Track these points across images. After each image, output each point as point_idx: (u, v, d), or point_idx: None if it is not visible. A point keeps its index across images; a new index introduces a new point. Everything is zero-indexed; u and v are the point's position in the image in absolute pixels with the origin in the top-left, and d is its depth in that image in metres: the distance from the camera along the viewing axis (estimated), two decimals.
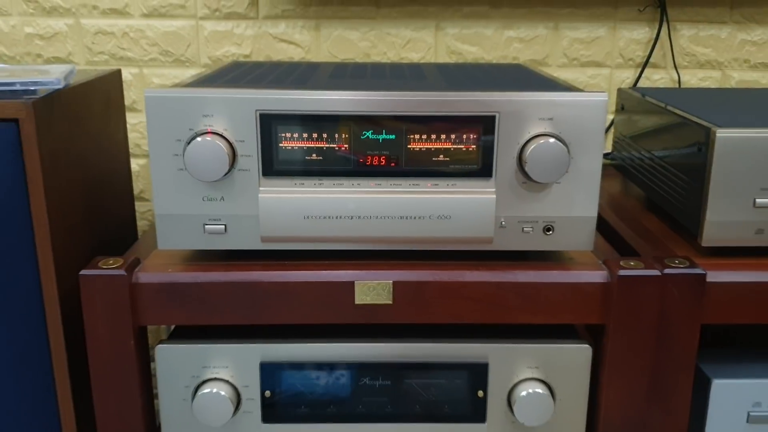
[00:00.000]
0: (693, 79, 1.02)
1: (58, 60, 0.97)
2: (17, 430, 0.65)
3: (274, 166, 0.61)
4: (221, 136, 0.59)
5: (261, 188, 0.61)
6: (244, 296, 0.62)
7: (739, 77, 1.02)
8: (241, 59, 0.98)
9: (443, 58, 0.99)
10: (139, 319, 0.62)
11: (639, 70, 1.01)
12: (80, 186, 0.68)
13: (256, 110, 0.59)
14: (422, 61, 0.99)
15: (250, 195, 0.61)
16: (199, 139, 0.59)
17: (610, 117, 0.98)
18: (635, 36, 1.00)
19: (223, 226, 0.62)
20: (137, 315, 0.61)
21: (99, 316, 0.61)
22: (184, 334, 0.65)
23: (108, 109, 0.77)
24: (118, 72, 0.81)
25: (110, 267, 0.61)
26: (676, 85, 1.01)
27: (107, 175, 0.77)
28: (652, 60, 1.00)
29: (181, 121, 0.59)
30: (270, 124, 0.60)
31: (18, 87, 0.58)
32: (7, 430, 0.65)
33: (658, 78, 1.02)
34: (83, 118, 0.70)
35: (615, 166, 0.90)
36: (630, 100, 0.85)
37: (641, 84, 1.01)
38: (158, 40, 0.97)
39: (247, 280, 0.61)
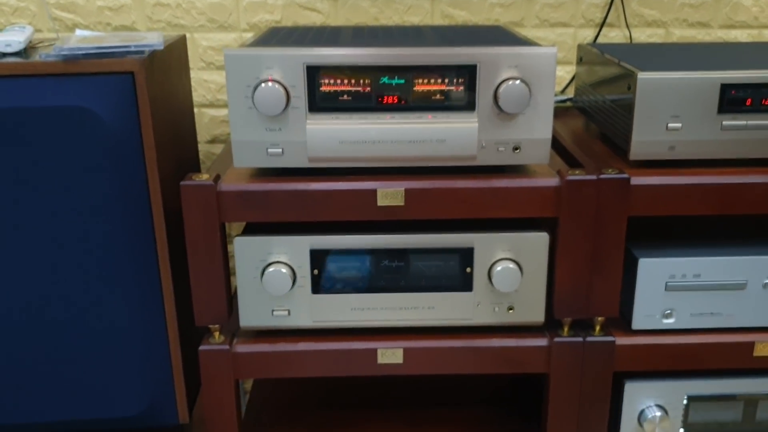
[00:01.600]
0: (642, 36, 1.24)
1: (124, 27, 1.19)
2: (129, 304, 0.89)
3: (316, 104, 0.83)
4: (279, 82, 0.82)
5: (308, 121, 0.84)
6: (297, 201, 0.85)
7: (680, 33, 1.24)
8: (274, 24, 1.20)
9: (438, 21, 1.22)
10: (222, 217, 0.85)
11: (598, 29, 1.23)
12: (170, 123, 0.91)
13: (304, 63, 0.82)
14: (421, 24, 1.21)
15: (299, 126, 0.84)
16: (263, 85, 0.81)
17: (574, 68, 1.21)
18: (595, 0, 1.22)
19: (281, 150, 0.85)
20: (221, 214, 0.85)
21: (194, 215, 0.84)
22: (253, 229, 0.89)
23: (179, 65, 1.00)
24: (184, 37, 1.04)
25: (201, 180, 0.84)
26: (628, 41, 1.24)
27: (181, 116, 1.00)
28: (608, 21, 1.23)
29: (250, 72, 0.82)
30: (313, 73, 0.82)
31: (132, 48, 0.81)
32: (121, 302, 0.89)
33: (613, 35, 1.24)
34: (167, 73, 0.92)
35: (578, 108, 1.13)
36: (588, 54, 1.08)
37: (600, 41, 1.24)
38: (205, 10, 1.19)
39: (299, 189, 0.85)
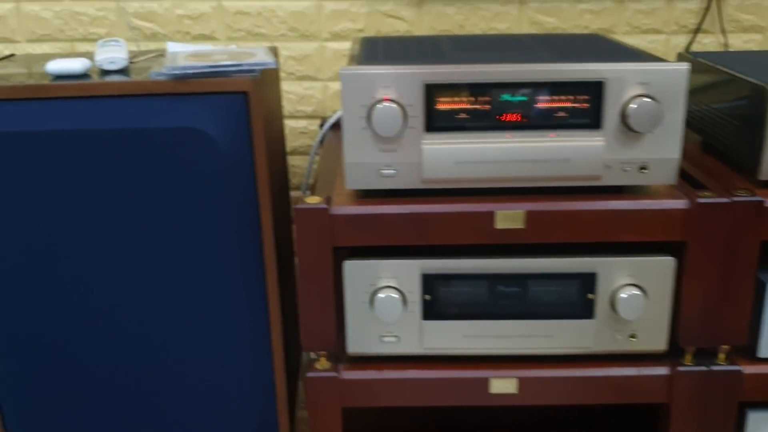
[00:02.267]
0: (737, 41, 1.19)
1: (204, 37, 1.16)
2: (236, 327, 0.85)
3: (433, 123, 0.79)
4: (396, 102, 0.78)
5: (423, 141, 0.80)
6: (411, 223, 0.81)
7: None
8: (357, 33, 1.16)
9: (526, 28, 1.17)
10: (333, 241, 0.81)
11: (691, 35, 1.19)
12: (272, 141, 0.88)
13: (422, 81, 0.78)
14: (508, 31, 1.17)
15: (415, 146, 0.80)
16: (380, 104, 0.78)
17: None
18: (688, 6, 1.17)
19: (395, 171, 0.81)
20: (333, 237, 0.81)
21: (307, 238, 0.80)
22: (359, 252, 0.85)
23: (273, 79, 0.96)
24: (276, 48, 1.00)
25: (315, 203, 0.80)
26: (724, 48, 1.19)
27: (277, 131, 0.96)
28: (702, 26, 1.18)
29: (366, 91, 0.78)
30: (432, 91, 0.78)
31: (245, 66, 0.77)
32: (229, 325, 0.85)
33: (707, 41, 1.19)
34: (270, 89, 0.89)
35: None
36: (692, 64, 1.03)
37: (693, 48, 1.19)
38: (287, 18, 1.15)
39: (414, 212, 0.81)
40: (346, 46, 1.17)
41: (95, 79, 0.79)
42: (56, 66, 0.80)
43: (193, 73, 0.76)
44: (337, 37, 1.16)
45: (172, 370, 0.85)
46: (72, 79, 0.78)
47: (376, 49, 0.91)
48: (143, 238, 0.80)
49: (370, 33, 1.16)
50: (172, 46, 0.95)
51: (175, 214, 0.79)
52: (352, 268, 0.83)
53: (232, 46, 0.88)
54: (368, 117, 0.78)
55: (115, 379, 0.84)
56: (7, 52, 1.17)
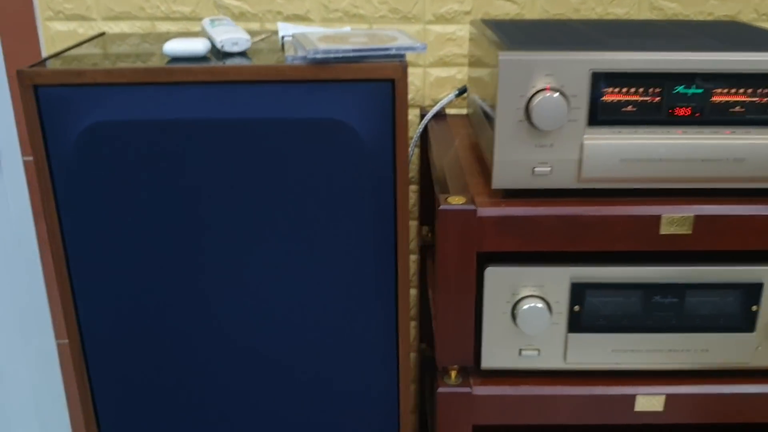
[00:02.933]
0: None
1: (297, 17, 1.07)
2: (366, 331, 0.78)
3: (598, 116, 0.71)
4: (559, 91, 0.70)
5: (585, 136, 0.72)
6: (565, 227, 0.73)
7: None
8: (464, 15, 1.07)
9: (646, 13, 1.09)
10: (479, 245, 0.73)
11: None
12: None
13: (590, 69, 0.70)
14: (627, 17, 1.08)
15: (575, 142, 0.72)
16: (542, 94, 0.69)
17: None
18: None
19: (550, 169, 0.73)
20: (479, 242, 0.73)
21: (450, 243, 0.73)
22: (501, 258, 0.77)
23: None
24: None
25: (460, 204, 0.72)
26: None
27: None
28: None
29: (525, 80, 0.70)
30: (599, 81, 0.70)
31: (393, 51, 0.69)
32: (357, 329, 0.77)
33: None
34: None
35: None
36: None
37: None
38: None
39: (570, 214, 0.73)
40: (449, 29, 1.08)
41: (215, 62, 0.70)
42: (175, 46, 0.72)
43: (336, 58, 0.68)
44: (441, 19, 1.07)
45: (291, 370, 0.78)
46: (192, 62, 0.70)
47: (515, 33, 0.83)
48: (272, 235, 0.72)
49: (477, 15, 1.08)
50: (284, 28, 0.86)
51: (307, 210, 0.71)
52: (494, 275, 0.76)
53: (360, 29, 0.80)
54: (526, 108, 0.70)
55: (232, 379, 0.77)
56: (81, 31, 1.08)
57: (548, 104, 0.69)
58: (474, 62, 0.92)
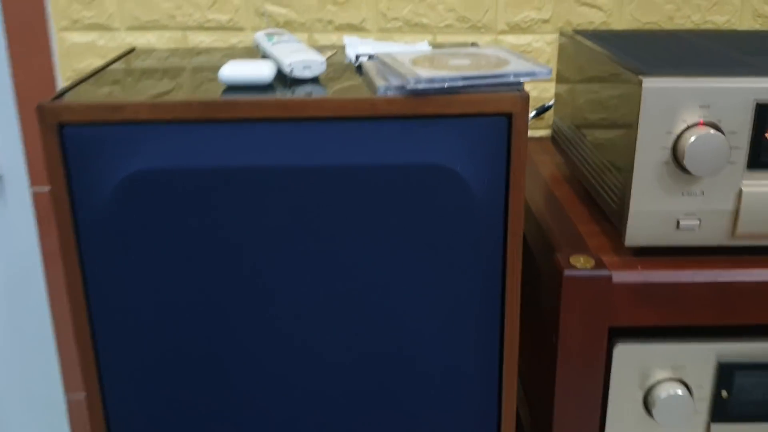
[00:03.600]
0: None
1: (350, 27, 0.93)
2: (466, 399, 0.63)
3: (760, 157, 0.57)
4: (715, 127, 0.56)
5: (744, 181, 0.58)
6: (716, 295, 0.59)
7: None
8: (541, 24, 0.93)
9: (748, 22, 0.94)
10: (612, 319, 0.59)
11: None
12: None
13: (754, 100, 0.56)
14: (728, 26, 0.94)
15: (730, 189, 0.58)
16: (695, 131, 0.55)
17: None
18: None
19: (698, 222, 0.59)
20: (612, 314, 0.59)
21: (575, 313, 0.58)
22: (630, 332, 0.63)
23: None
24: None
25: (588, 268, 0.58)
26: None
27: None
28: None
29: (675, 112, 0.56)
30: (764, 114, 0.56)
31: (511, 78, 0.55)
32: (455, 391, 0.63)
33: None
34: None
35: None
36: None
37: None
38: (455, 5, 0.92)
39: (723, 280, 0.59)
40: (524, 40, 0.94)
41: (284, 91, 0.56)
42: (236, 72, 0.57)
43: (443, 89, 0.53)
44: (516, 29, 0.93)
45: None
46: (255, 92, 0.56)
47: (632, 49, 0.69)
48: (365, 283, 0.58)
49: (557, 24, 0.93)
50: (352, 43, 0.72)
51: (399, 263, 0.57)
52: (624, 354, 0.61)
53: (464, 48, 0.66)
54: (674, 148, 0.56)
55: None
56: (101, 43, 0.94)
57: (707, 143, 0.55)
58: (568, 79, 0.78)
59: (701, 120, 0.56)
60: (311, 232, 0.56)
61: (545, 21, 0.93)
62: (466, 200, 0.56)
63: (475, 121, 0.55)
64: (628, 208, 0.59)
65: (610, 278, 0.58)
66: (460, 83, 0.54)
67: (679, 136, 0.56)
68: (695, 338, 0.62)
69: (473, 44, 0.78)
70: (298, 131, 0.54)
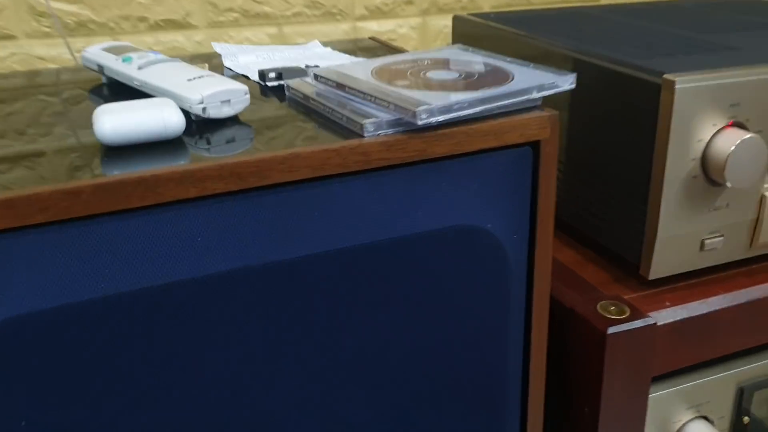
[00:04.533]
0: None
1: (172, 24, 0.71)
2: None
3: None
4: (745, 128, 0.46)
5: (765, 185, 0.49)
6: (744, 317, 0.51)
7: None
8: (403, 6, 0.78)
9: None
10: (656, 368, 0.48)
11: None
12: None
13: None
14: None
15: (752, 196, 0.49)
16: (730, 135, 0.45)
17: None
18: None
19: (722, 238, 0.49)
20: (652, 364, 0.48)
21: (620, 371, 0.46)
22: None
23: None
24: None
25: (623, 316, 0.46)
26: None
27: None
28: None
29: (706, 115, 0.45)
30: None
31: (535, 94, 0.40)
32: None
33: None
34: None
35: None
36: None
37: None
38: None
39: (749, 299, 0.50)
40: (387, 26, 0.79)
41: (200, 145, 0.36)
42: (126, 124, 0.35)
43: (456, 119, 0.37)
44: (376, 13, 0.78)
45: None
46: (162, 156, 0.35)
47: (588, 37, 0.57)
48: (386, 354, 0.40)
49: (422, 6, 0.80)
50: (226, 52, 0.52)
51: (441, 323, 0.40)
52: (658, 403, 0.51)
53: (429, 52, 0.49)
54: (703, 158, 0.46)
55: None
56: None
57: (748, 150, 0.45)
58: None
59: (730, 121, 0.46)
60: (286, 344, 0.37)
61: (408, 2, 0.79)
62: (498, 263, 0.40)
63: (496, 157, 0.39)
64: (654, 235, 0.47)
65: (654, 325, 0.46)
66: (479, 108, 0.38)
67: (709, 141, 0.46)
68: (717, 368, 0.53)
69: (371, 39, 0.61)
70: (261, 209, 0.35)
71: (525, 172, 0.41)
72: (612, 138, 0.49)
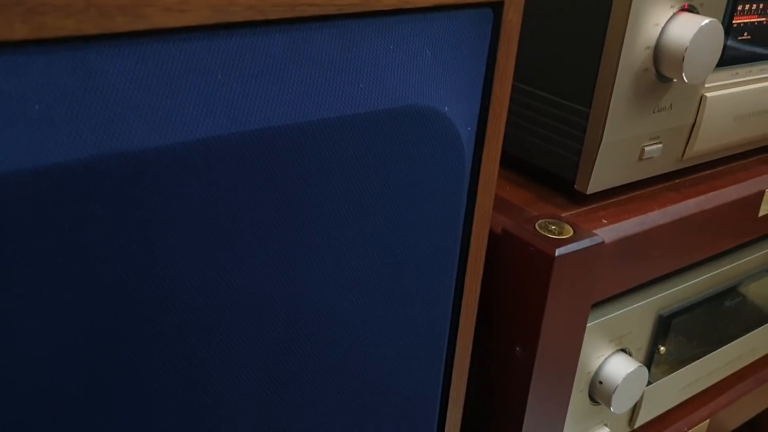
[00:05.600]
0: None
1: None
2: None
3: (725, 52, 0.43)
4: (696, 11, 0.40)
5: (706, 84, 0.44)
6: (682, 233, 0.45)
7: None
8: None
9: None
10: (597, 293, 0.41)
11: None
12: None
13: None
14: None
15: (694, 96, 0.43)
16: (687, 20, 0.39)
17: None
18: None
19: (660, 146, 0.43)
20: (596, 288, 0.41)
21: (563, 295, 0.39)
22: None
23: None
24: None
25: (567, 236, 0.38)
26: None
27: None
28: None
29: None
30: None
31: None
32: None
33: None
34: None
35: None
36: None
37: None
38: None
39: (687, 213, 0.45)
40: None
41: None
42: None
43: None
44: None
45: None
46: None
47: None
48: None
49: None
50: None
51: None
52: (586, 337, 0.44)
53: None
54: (656, 48, 0.39)
55: None
56: None
57: (708, 36, 0.39)
58: None
59: (686, 3, 0.39)
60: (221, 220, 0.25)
61: None
62: (456, 162, 0.30)
63: (452, 18, 0.29)
64: (599, 139, 0.40)
65: (602, 244, 0.39)
66: None
67: (664, 28, 0.39)
68: (637, 296, 0.48)
69: None
70: (133, 63, 0.22)
71: (482, 44, 0.31)
72: (561, 30, 0.41)
